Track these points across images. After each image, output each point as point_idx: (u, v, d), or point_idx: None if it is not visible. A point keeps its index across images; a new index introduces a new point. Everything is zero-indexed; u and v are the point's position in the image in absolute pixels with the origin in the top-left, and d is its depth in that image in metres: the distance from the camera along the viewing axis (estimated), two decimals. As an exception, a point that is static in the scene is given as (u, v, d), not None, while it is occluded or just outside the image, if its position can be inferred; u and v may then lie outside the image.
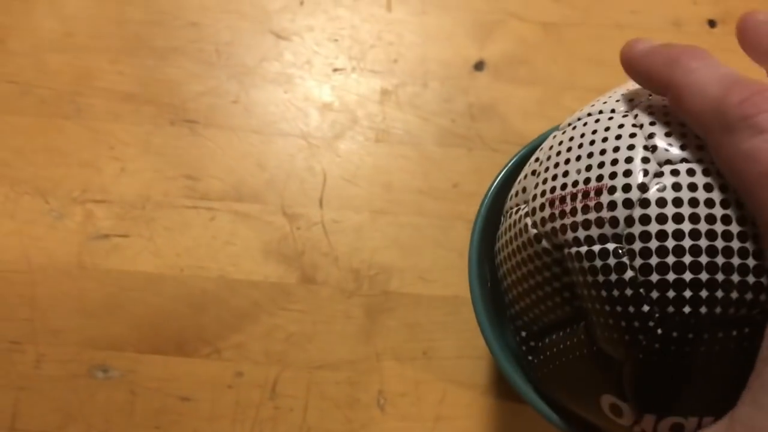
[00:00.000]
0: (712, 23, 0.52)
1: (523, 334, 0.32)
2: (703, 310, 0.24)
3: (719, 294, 0.24)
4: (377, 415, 0.43)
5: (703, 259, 0.24)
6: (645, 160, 0.25)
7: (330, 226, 0.47)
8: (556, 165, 0.28)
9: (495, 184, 0.34)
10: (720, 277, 0.24)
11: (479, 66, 0.51)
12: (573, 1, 0.53)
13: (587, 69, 0.51)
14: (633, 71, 0.27)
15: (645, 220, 0.25)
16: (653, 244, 0.24)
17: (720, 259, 0.24)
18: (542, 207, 0.28)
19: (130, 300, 0.45)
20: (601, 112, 0.28)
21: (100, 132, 0.49)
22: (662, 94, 0.25)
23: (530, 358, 0.31)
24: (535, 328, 0.31)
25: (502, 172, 0.35)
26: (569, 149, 0.28)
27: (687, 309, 0.24)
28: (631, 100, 0.28)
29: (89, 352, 0.44)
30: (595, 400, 0.27)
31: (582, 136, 0.28)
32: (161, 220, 0.47)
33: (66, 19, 0.52)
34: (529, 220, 0.28)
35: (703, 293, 0.24)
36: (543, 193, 0.28)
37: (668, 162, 0.25)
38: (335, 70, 0.51)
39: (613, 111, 0.28)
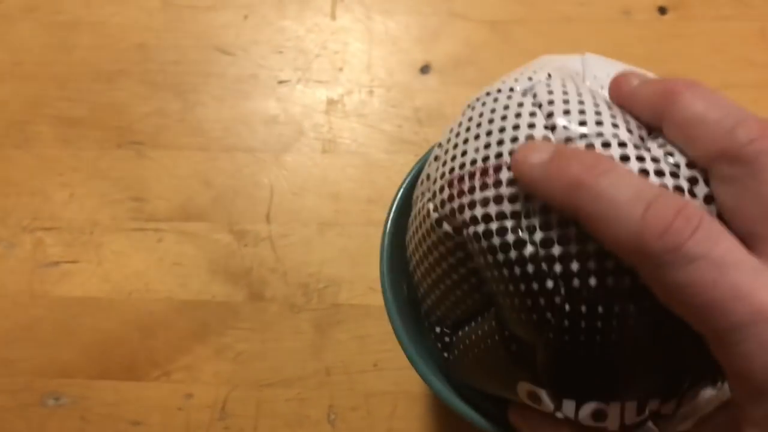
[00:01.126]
0: (662, 10, 0.50)
1: (438, 330, 0.31)
2: (611, 281, 0.22)
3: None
4: (328, 431, 0.42)
5: None
6: (546, 138, 0.25)
7: (278, 241, 0.46)
8: (455, 146, 0.27)
9: (404, 185, 0.33)
10: None
11: (425, 69, 0.50)
12: (518, -3, 0.51)
13: (535, 65, 0.50)
14: (535, 194, 0.23)
15: None
16: (554, 217, 0.23)
17: None
18: (441, 189, 0.26)
19: (80, 326, 0.45)
20: (499, 90, 0.27)
21: (48, 159, 0.49)
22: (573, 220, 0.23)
23: (446, 355, 0.30)
24: (448, 322, 0.30)
25: (411, 173, 0.34)
26: (468, 129, 0.27)
27: (593, 281, 0.22)
28: (530, 79, 0.27)
29: (41, 380, 0.44)
30: (513, 389, 0.26)
31: (481, 115, 0.27)
32: (109, 244, 0.47)
33: (13, 49, 0.52)
34: (430, 205, 0.27)
35: (610, 264, 0.22)
36: (443, 176, 0.27)
37: (568, 140, 0.24)
38: (280, 82, 0.51)
39: (512, 90, 0.27)
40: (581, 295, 0.22)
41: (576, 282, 0.22)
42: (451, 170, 0.26)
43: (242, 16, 0.52)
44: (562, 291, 0.23)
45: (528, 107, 0.26)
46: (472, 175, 0.25)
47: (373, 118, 0.49)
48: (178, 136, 0.49)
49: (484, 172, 0.25)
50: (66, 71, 0.52)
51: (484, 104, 0.27)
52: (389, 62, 0.51)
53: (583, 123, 0.24)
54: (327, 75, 0.51)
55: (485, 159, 0.25)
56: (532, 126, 0.25)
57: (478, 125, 0.27)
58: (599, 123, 0.24)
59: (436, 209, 0.27)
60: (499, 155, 0.25)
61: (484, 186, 0.25)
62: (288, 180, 0.48)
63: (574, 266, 0.22)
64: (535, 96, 0.26)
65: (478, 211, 0.25)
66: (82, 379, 0.44)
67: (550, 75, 0.27)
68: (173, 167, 0.49)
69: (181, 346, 0.44)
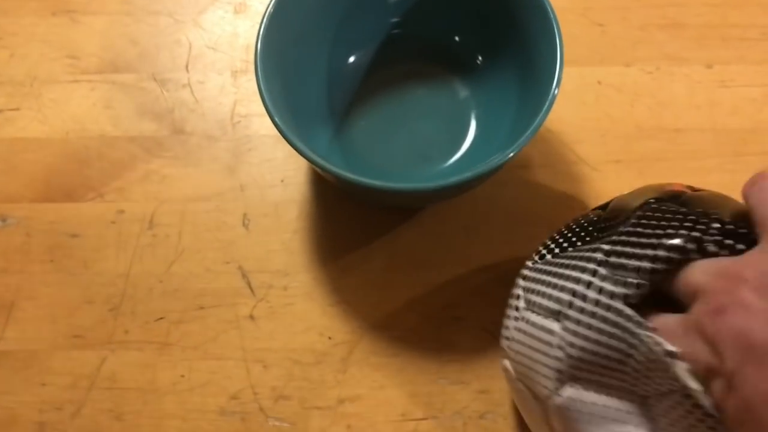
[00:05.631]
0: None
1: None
2: None
3: None
4: (243, 233, 0.48)
5: None
6: None
7: (196, 87, 0.53)
8: None
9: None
10: None
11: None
12: None
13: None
14: None
15: None
16: None
17: None
18: None
19: (23, 161, 0.51)
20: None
21: (-10, 27, 0.55)
22: None
23: None
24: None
25: None
26: None
27: None
28: None
29: (-11, 206, 0.49)
30: None
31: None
32: (48, 94, 0.53)
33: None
34: None
35: None
36: None
37: None
38: (196, -42, 0.57)
39: None
40: None
41: None
42: None
43: None
44: None
45: None
46: None
47: (279, -14, 0.56)
48: (107, 4, 0.55)
49: None
50: (4, -45, 0.57)
51: None
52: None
53: None
54: (237, -48, 0.57)
55: None
56: None
57: None
58: None
59: None
60: None
61: None
62: (204, 37, 0.54)
63: None
64: None
65: None
66: (27, 203, 0.49)
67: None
68: (103, 30, 0.54)
69: (114, 174, 0.50)
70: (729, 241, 0.28)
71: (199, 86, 0.52)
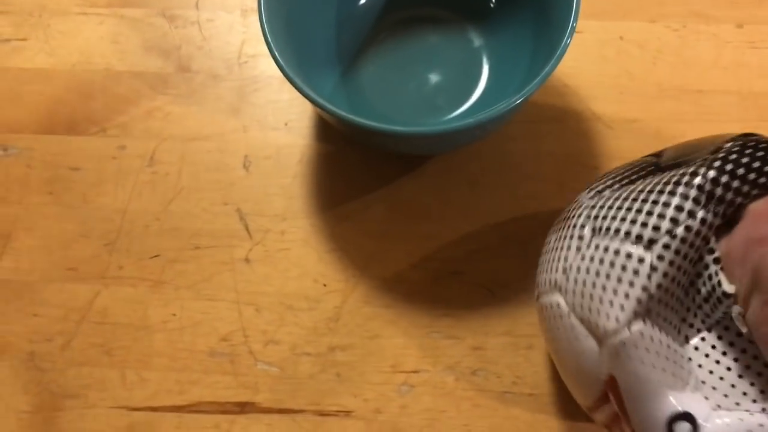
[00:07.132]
0: None
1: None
2: None
3: None
4: (243, 175, 0.47)
5: None
6: None
7: (205, 25, 0.51)
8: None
9: None
10: None
11: None
12: None
13: None
14: None
15: None
16: None
17: None
18: None
19: (28, 92, 0.50)
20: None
21: (2, -44, 0.53)
22: None
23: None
24: None
25: None
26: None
27: None
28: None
29: (-8, 135, 0.49)
30: None
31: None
32: (56, 25, 0.51)
33: None
34: None
35: None
36: None
37: None
38: None
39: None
40: None
41: None
42: None
43: None
44: None
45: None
46: None
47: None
48: (119, -63, 0.53)
49: None
50: None
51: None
52: None
53: None
54: None
55: None
56: None
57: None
58: None
59: None
60: None
61: None
62: (216, -26, 0.52)
63: None
64: None
65: None
66: (29, 134, 0.49)
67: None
68: (114, -37, 0.53)
69: (117, 109, 0.49)
70: None
71: (208, 24, 0.51)
